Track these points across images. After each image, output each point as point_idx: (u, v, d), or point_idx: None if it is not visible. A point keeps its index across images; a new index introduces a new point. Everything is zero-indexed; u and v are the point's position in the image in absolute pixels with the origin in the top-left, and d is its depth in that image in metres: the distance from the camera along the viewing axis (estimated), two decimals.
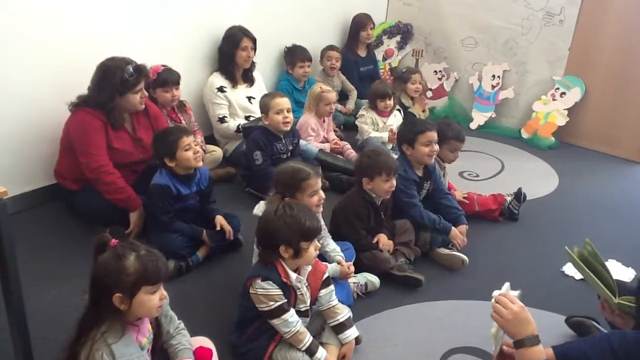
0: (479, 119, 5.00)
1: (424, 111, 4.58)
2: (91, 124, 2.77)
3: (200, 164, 2.73)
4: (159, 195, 2.63)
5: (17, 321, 1.76)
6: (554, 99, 4.66)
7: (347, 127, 4.52)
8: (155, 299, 1.60)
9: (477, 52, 5.02)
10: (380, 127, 4.08)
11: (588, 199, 3.82)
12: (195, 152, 2.66)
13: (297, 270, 2.03)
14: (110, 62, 2.79)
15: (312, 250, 1.99)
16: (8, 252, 1.65)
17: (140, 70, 2.82)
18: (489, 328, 1.83)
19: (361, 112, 4.16)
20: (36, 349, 1.86)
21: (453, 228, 2.88)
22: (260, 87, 4.05)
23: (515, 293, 1.72)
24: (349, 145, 4.00)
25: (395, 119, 4.13)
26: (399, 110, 4.20)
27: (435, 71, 5.21)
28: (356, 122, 4.17)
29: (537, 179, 4.06)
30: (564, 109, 4.62)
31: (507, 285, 1.76)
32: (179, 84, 3.37)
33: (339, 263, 2.44)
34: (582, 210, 3.65)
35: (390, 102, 4.04)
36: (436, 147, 2.90)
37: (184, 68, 3.49)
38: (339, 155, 3.88)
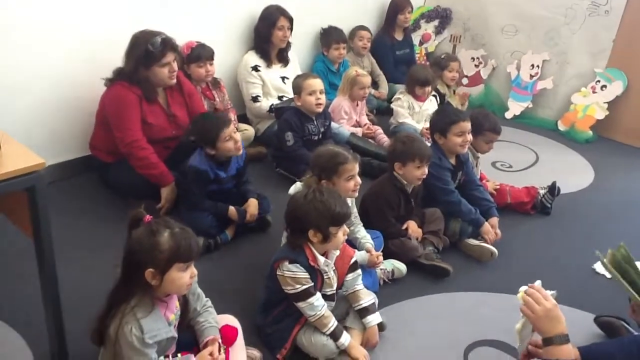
0: (514, 108, 4.90)
1: (463, 104, 4.50)
2: (126, 98, 2.79)
3: (241, 151, 2.73)
4: (195, 179, 2.65)
5: (49, 290, 1.79)
6: (594, 92, 4.53)
7: (380, 112, 4.47)
8: (186, 277, 1.62)
9: (517, 40, 4.90)
10: (416, 111, 4.04)
11: (624, 196, 3.72)
12: (236, 142, 2.66)
13: (325, 254, 2.03)
14: (140, 34, 2.81)
15: (341, 235, 1.99)
16: (43, 221, 1.68)
17: (166, 43, 2.80)
18: (514, 323, 1.81)
19: (397, 95, 4.12)
20: (67, 318, 1.90)
21: (486, 223, 2.85)
22: (295, 67, 4.04)
23: (551, 293, 1.67)
24: (381, 130, 3.97)
25: (431, 104, 4.07)
26: (434, 96, 4.14)
27: (473, 58, 5.11)
28: (392, 106, 4.13)
29: (572, 173, 3.97)
30: (604, 103, 4.49)
31: (539, 282, 1.73)
32: (212, 59, 3.38)
33: (368, 251, 2.43)
34: (617, 207, 3.56)
35: (429, 90, 3.99)
36: (469, 137, 2.85)
37: (220, 45, 3.50)
38: (370, 140, 3.85)
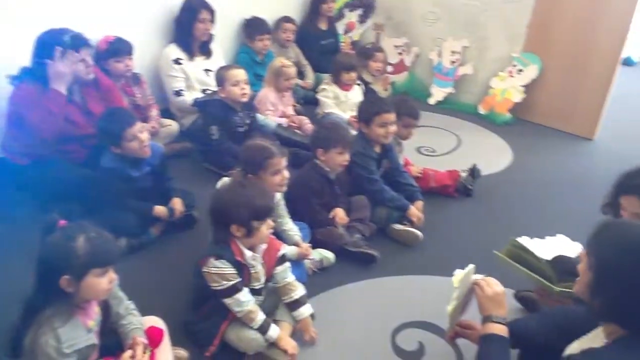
0: (438, 94, 5.04)
1: (385, 89, 4.57)
2: (33, 96, 2.67)
3: (148, 153, 2.61)
4: (106, 180, 2.56)
5: None
6: (511, 76, 4.72)
7: (307, 102, 4.48)
8: (104, 282, 1.58)
9: (438, 28, 5.03)
10: (342, 100, 4.06)
11: (541, 175, 3.91)
12: (142, 142, 2.55)
13: (251, 248, 2.03)
14: (46, 35, 2.71)
15: (265, 229, 1.99)
16: None
17: (76, 39, 2.71)
18: (442, 303, 1.88)
19: (322, 85, 4.12)
20: None
21: (411, 206, 2.92)
22: (219, 59, 3.98)
23: (481, 277, 1.80)
24: (307, 120, 3.97)
25: (356, 93, 4.12)
26: (359, 84, 4.19)
27: (396, 46, 5.20)
28: (317, 96, 4.14)
29: (492, 155, 4.13)
30: (521, 86, 4.69)
31: (472, 267, 1.80)
32: (131, 54, 3.28)
33: (296, 244, 2.45)
34: (534, 186, 3.74)
35: (355, 75, 4.03)
36: (392, 128, 2.91)
37: (139, 39, 3.40)
38: (297, 131, 3.86)
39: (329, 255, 2.64)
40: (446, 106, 4.98)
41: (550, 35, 4.56)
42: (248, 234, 1.96)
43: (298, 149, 3.57)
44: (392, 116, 2.90)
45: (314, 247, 2.59)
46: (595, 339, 1.56)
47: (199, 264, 2.01)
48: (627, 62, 6.93)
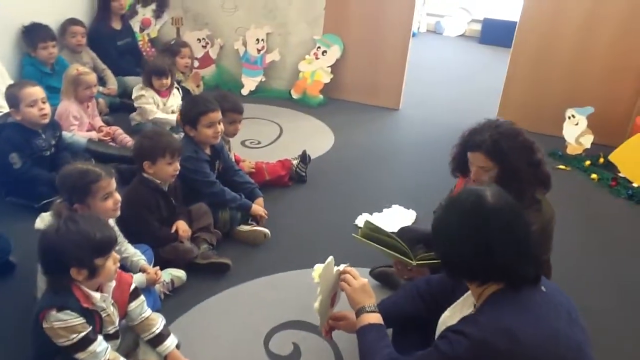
0: (249, 84, 4.97)
1: (198, 86, 4.38)
2: None
3: None
4: None
5: None
6: (317, 58, 4.83)
7: (114, 109, 4.11)
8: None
9: (239, 17, 4.93)
10: (160, 108, 3.78)
11: (363, 149, 4.08)
12: None
13: (98, 289, 1.78)
14: None
15: (111, 264, 1.75)
16: None
17: None
18: (308, 298, 1.84)
19: (139, 92, 3.76)
20: None
21: (253, 204, 2.84)
22: (3, 76, 3.44)
23: (344, 266, 1.82)
24: (120, 130, 3.64)
25: (176, 99, 3.86)
26: (177, 88, 3.94)
27: (199, 39, 5.00)
28: (136, 104, 3.78)
29: (316, 138, 4.20)
30: (327, 67, 4.82)
31: (330, 258, 1.77)
32: None
33: (144, 270, 2.21)
34: (360, 160, 3.89)
35: (167, 81, 3.75)
36: (220, 127, 2.78)
37: None
38: (111, 143, 3.52)
39: (180, 273, 2.44)
40: (260, 95, 4.94)
41: (346, 15, 4.74)
42: (92, 275, 1.70)
43: (117, 163, 3.25)
44: (218, 114, 2.76)
45: (161, 269, 2.37)
46: (465, 302, 1.63)
47: (37, 320, 1.71)
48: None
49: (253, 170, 3.28)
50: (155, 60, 3.85)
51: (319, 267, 1.76)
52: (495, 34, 7.54)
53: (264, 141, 4.07)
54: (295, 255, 2.73)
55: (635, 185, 3.77)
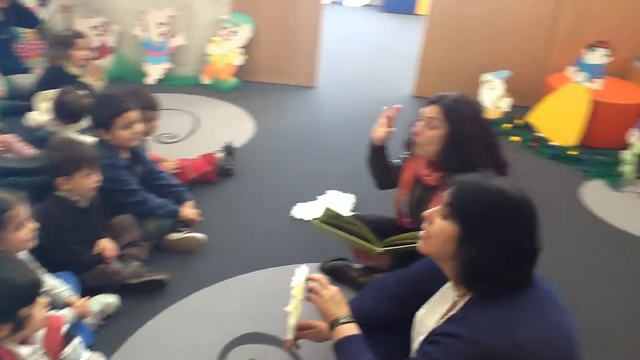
0: (154, 72, 4.61)
1: (99, 80, 3.96)
2: None
3: None
4: None
5: None
6: (227, 39, 4.55)
7: (6, 115, 3.64)
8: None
9: (135, 0, 4.53)
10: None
11: (286, 134, 3.91)
12: None
13: (26, 341, 1.51)
14: None
15: (39, 312, 1.49)
16: None
17: None
18: (260, 306, 1.68)
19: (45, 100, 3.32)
20: None
21: (182, 209, 2.59)
22: None
23: (306, 271, 1.70)
24: (17, 138, 3.20)
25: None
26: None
27: (93, 27, 4.55)
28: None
29: (235, 125, 3.97)
30: (238, 48, 4.56)
31: (304, 267, 1.65)
32: None
33: (69, 304, 1.93)
34: (284, 145, 3.73)
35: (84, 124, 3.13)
36: (138, 127, 2.49)
37: None
38: (7, 155, 3.10)
39: (111, 299, 2.17)
40: (167, 83, 4.59)
41: None
42: (17, 329, 1.44)
43: (16, 177, 2.88)
44: (134, 114, 2.48)
45: (90, 297, 2.10)
46: (443, 297, 1.52)
47: None
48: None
49: (178, 170, 3.01)
50: (68, 102, 3.16)
51: (299, 282, 1.64)
52: (397, 1, 7.53)
53: (181, 134, 3.78)
54: (236, 258, 2.53)
55: (555, 144, 3.87)
